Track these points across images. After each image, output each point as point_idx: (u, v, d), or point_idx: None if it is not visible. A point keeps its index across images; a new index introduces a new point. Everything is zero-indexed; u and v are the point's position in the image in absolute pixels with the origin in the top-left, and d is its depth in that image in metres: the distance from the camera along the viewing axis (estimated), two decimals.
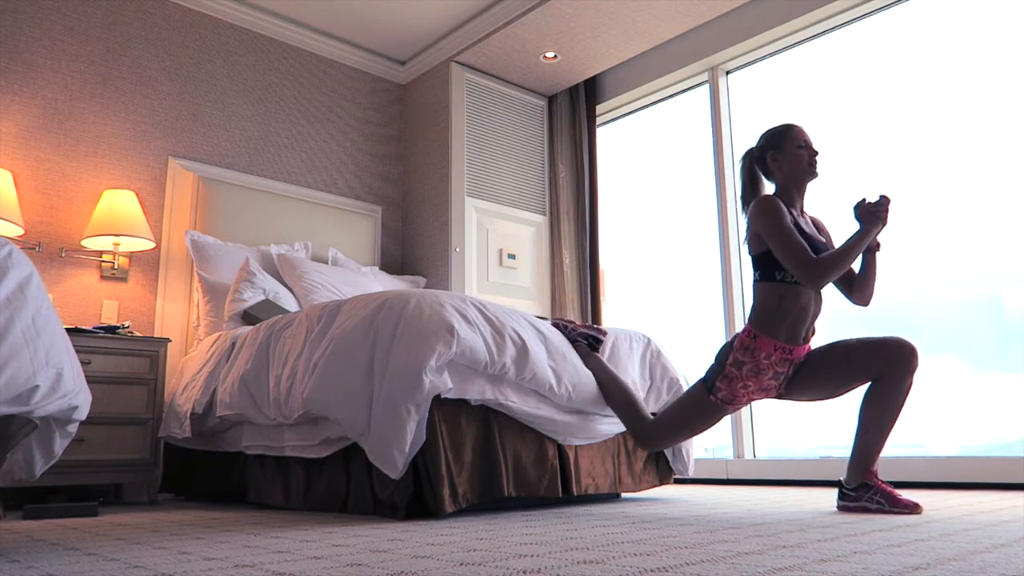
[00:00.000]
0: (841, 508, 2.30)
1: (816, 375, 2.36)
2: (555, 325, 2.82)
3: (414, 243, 4.91)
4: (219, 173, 4.22)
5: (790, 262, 2.26)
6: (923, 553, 1.36)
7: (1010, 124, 3.36)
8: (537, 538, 1.67)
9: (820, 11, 3.91)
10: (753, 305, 2.37)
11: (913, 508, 2.15)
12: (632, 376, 2.89)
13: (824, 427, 3.81)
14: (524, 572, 1.21)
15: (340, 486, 2.53)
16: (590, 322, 4.64)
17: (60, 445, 1.72)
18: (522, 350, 2.45)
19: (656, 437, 2.54)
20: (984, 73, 3.50)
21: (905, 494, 2.65)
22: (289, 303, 3.74)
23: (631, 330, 3.10)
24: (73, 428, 1.71)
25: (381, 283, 4.33)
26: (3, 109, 3.58)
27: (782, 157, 2.41)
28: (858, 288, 2.41)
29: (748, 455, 3.99)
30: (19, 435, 1.60)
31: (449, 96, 4.77)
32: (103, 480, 3.16)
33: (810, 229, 2.39)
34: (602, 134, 5.17)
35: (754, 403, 4.03)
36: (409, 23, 4.67)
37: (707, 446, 4.24)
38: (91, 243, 3.61)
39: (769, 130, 2.48)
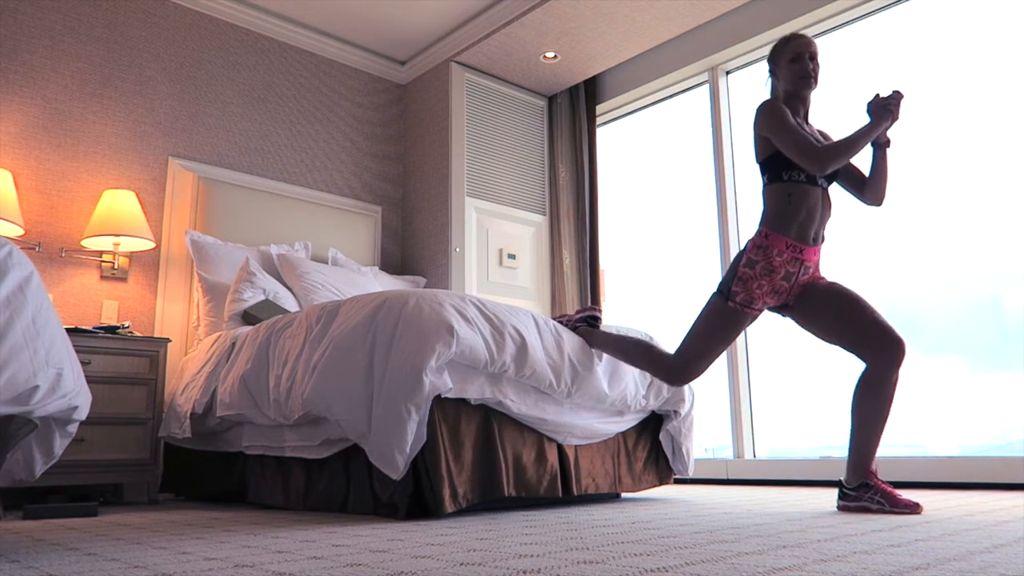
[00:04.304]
0: (841, 508, 2.30)
1: (819, 309, 2.38)
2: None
3: (414, 243, 4.90)
4: (219, 173, 4.22)
5: (795, 151, 2.29)
6: (923, 553, 1.36)
7: (1010, 124, 3.36)
8: (537, 538, 1.67)
9: (820, 11, 3.91)
10: (764, 209, 2.40)
11: (913, 508, 2.15)
12: (632, 373, 2.89)
13: (824, 427, 3.81)
14: (524, 572, 1.21)
15: (340, 486, 2.53)
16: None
17: (60, 445, 1.72)
18: (521, 347, 2.45)
19: (684, 365, 2.46)
20: (984, 73, 3.50)
21: (905, 494, 2.65)
22: (289, 303, 3.74)
23: (632, 329, 3.10)
24: (73, 428, 1.71)
25: (381, 283, 4.32)
26: (3, 109, 3.58)
27: (779, 70, 2.48)
28: (870, 188, 2.44)
29: (748, 455, 3.98)
30: (19, 435, 1.60)
31: (449, 96, 4.77)
32: (103, 480, 3.16)
33: (814, 137, 2.42)
34: (602, 134, 5.16)
35: (755, 402, 4.06)
36: (409, 23, 4.67)
37: (707, 446, 4.24)
38: (91, 243, 3.61)
39: (775, 43, 2.52)
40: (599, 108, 5.06)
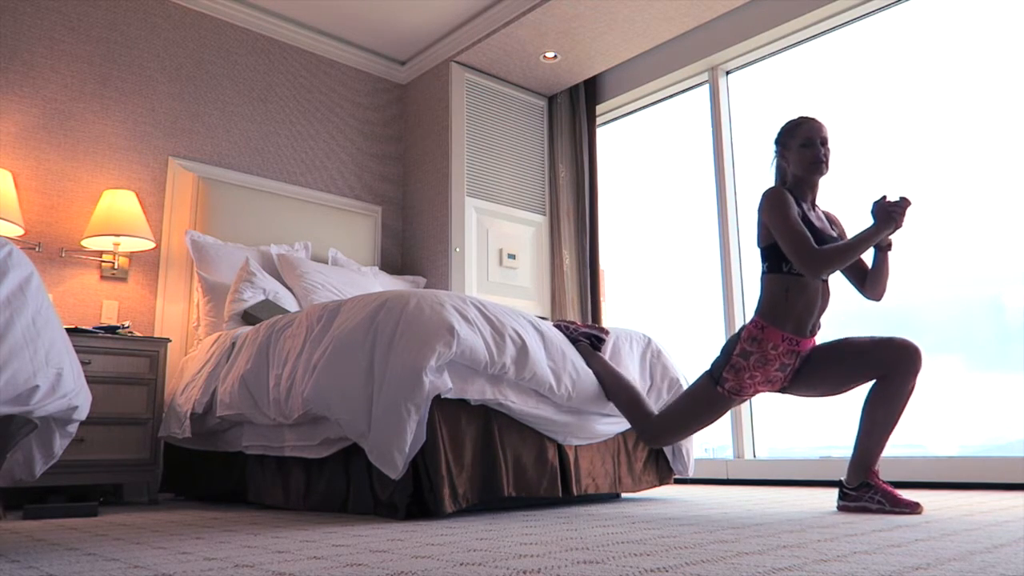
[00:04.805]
0: (841, 508, 2.30)
1: (820, 371, 2.36)
2: (556, 326, 2.82)
3: (414, 243, 4.91)
4: (219, 173, 4.22)
5: (791, 251, 2.25)
6: (923, 553, 1.36)
7: (1010, 124, 3.36)
8: (537, 538, 1.67)
9: (820, 11, 3.91)
10: (760, 297, 2.37)
11: (913, 508, 2.15)
12: (632, 376, 2.89)
13: (824, 427, 3.81)
14: (524, 572, 1.21)
15: (340, 486, 2.53)
16: (590, 322, 4.64)
17: (60, 445, 1.72)
18: (522, 350, 2.45)
19: (662, 432, 2.52)
20: (984, 73, 3.50)
21: (905, 494, 2.65)
22: (289, 303, 3.74)
23: (631, 330, 3.10)
24: (73, 428, 1.71)
25: (381, 283, 4.32)
26: (3, 109, 3.58)
27: (789, 154, 2.42)
28: (870, 284, 2.41)
29: (748, 455, 3.98)
30: (19, 435, 1.60)
31: (449, 96, 4.77)
32: (103, 480, 3.16)
33: (821, 223, 2.38)
34: (602, 134, 5.16)
35: (755, 402, 4.06)
36: (409, 23, 4.67)
37: (707, 446, 4.24)
38: (91, 243, 3.61)
39: (784, 124, 2.47)
40: (599, 108, 5.06)
